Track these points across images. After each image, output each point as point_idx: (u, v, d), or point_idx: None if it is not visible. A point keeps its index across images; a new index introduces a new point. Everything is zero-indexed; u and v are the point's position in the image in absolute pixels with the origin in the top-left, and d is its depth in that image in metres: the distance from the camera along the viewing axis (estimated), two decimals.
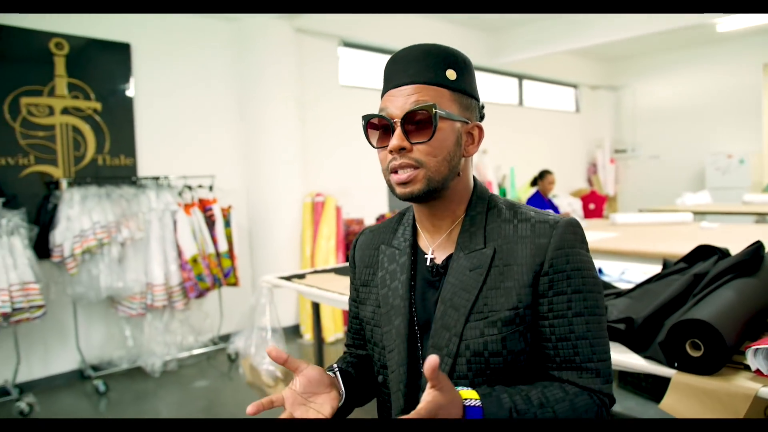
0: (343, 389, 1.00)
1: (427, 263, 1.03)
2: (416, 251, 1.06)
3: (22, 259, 3.73)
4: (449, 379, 0.86)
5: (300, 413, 0.91)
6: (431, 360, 0.77)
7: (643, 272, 2.58)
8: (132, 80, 4.71)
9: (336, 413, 0.95)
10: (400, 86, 0.96)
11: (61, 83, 4.36)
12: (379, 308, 1.05)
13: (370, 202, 6.50)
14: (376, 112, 1.01)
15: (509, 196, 8.19)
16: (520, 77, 8.86)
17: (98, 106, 4.52)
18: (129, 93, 4.71)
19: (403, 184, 0.95)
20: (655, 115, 9.93)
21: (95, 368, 4.37)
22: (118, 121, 4.64)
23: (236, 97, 5.34)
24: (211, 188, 4.93)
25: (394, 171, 0.96)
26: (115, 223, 4.14)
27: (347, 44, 6.40)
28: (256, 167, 5.32)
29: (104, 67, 4.57)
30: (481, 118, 1.06)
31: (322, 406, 0.93)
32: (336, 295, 2.62)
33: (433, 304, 0.99)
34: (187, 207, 4.60)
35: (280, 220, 5.28)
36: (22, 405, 3.73)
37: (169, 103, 4.95)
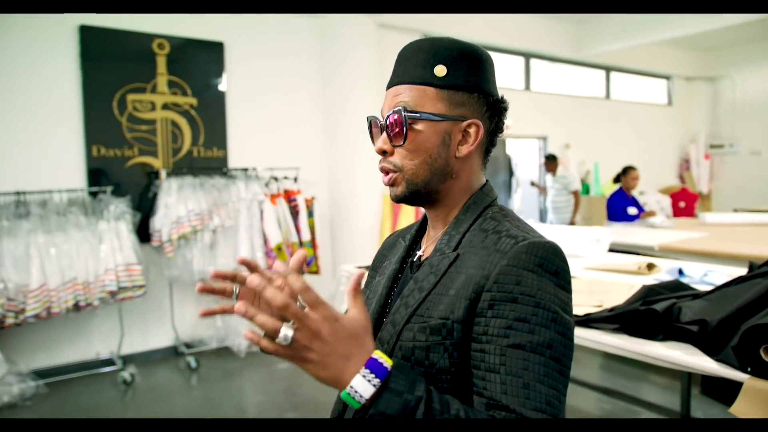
0: None
1: (415, 258, 1.02)
2: (415, 246, 1.05)
3: (126, 243, 4.09)
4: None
5: None
6: (357, 274, 0.75)
7: (728, 275, 2.50)
8: (225, 76, 5.01)
9: None
10: (390, 87, 0.95)
11: (162, 81, 4.71)
12: (371, 293, 1.07)
13: None
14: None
15: (593, 193, 7.98)
16: (608, 69, 8.58)
17: (194, 101, 4.85)
18: (222, 89, 5.01)
19: (389, 186, 0.96)
20: (757, 107, 9.30)
21: (188, 345, 4.72)
22: (211, 115, 4.96)
23: (320, 91, 5.54)
24: (295, 179, 5.16)
25: (381, 173, 0.97)
26: (207, 211, 4.44)
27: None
28: (338, 160, 5.50)
29: (200, 65, 4.89)
30: (497, 111, 0.97)
31: None
32: None
33: None
34: (273, 197, 4.85)
35: (361, 211, 5.44)
36: (125, 375, 4.10)
37: (258, 98, 5.21)
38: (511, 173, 7.85)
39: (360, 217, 5.45)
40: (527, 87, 7.57)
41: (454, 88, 0.91)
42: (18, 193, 3.95)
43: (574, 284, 2.46)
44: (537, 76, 7.76)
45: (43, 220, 3.89)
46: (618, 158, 8.31)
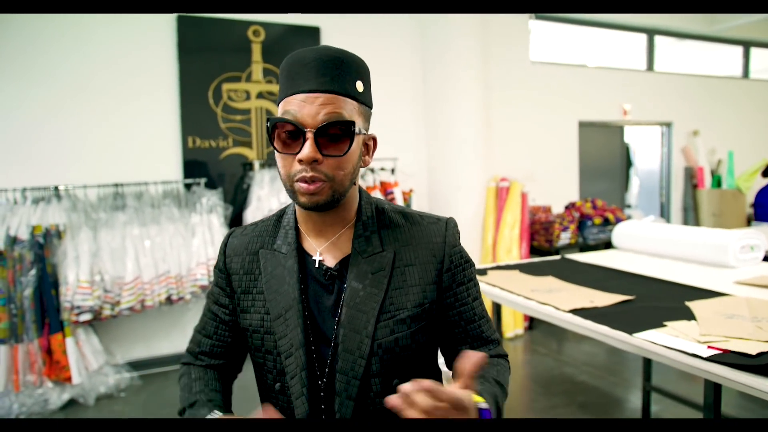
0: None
1: (316, 266, 1.03)
2: (302, 255, 1.05)
3: (218, 236, 3.98)
4: (362, 380, 0.96)
5: None
6: (477, 357, 0.80)
7: None
8: None
9: None
10: (314, 92, 0.92)
11: (257, 69, 4.57)
12: (268, 314, 1.02)
13: (560, 188, 6.00)
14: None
15: (725, 185, 7.05)
16: (746, 44, 7.53)
17: None
18: None
19: (310, 194, 0.93)
20: None
21: None
22: None
23: (420, 77, 5.19)
24: (393, 171, 4.86)
25: (302, 181, 0.93)
26: None
27: (540, 17, 5.91)
28: (439, 150, 5.13)
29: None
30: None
31: None
32: (521, 299, 2.32)
33: (330, 308, 1.00)
34: (369, 190, 4.58)
35: (462, 205, 5.05)
36: None
37: None
38: (629, 163, 7.10)
39: (461, 212, 5.05)
40: (650, 67, 6.78)
41: (366, 105, 0.98)
42: (116, 185, 3.95)
43: (729, 305, 1.97)
44: (662, 54, 6.94)
45: (138, 213, 3.86)
46: (757, 146, 7.33)
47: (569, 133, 6.17)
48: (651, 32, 6.75)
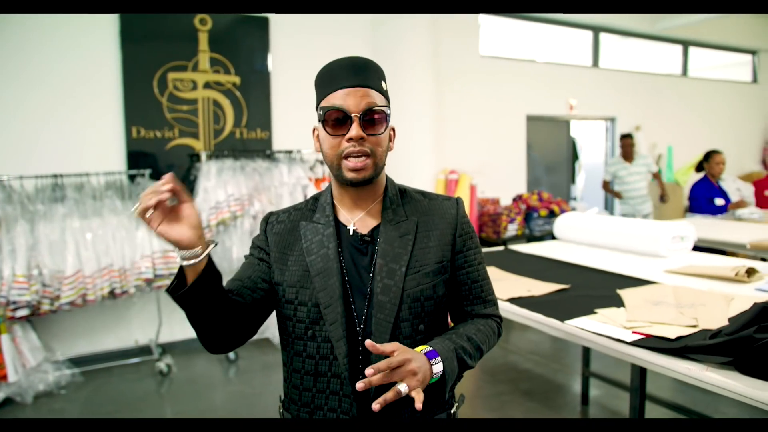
0: (208, 254, 1.04)
1: (351, 233, 1.21)
2: (338, 225, 1.23)
3: None
4: (394, 323, 1.14)
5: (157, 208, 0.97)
6: (369, 345, 0.99)
7: None
8: (269, 54, 4.74)
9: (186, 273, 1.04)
10: (354, 87, 1.14)
11: (204, 58, 4.48)
12: (307, 272, 1.18)
13: (508, 180, 6.12)
14: (337, 102, 1.14)
15: (664, 179, 7.34)
16: (685, 43, 7.84)
17: (237, 80, 4.61)
18: (266, 67, 4.74)
19: (357, 170, 1.14)
20: None
21: None
22: (255, 94, 4.71)
23: None
24: None
25: (347, 157, 1.14)
26: (248, 196, 4.21)
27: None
28: None
29: (244, 42, 4.63)
30: None
31: (174, 227, 1.00)
32: None
33: (366, 267, 1.19)
34: (318, 181, 4.57)
35: None
36: (162, 365, 3.95)
37: (304, 77, 4.89)
38: (575, 157, 7.30)
39: None
40: (595, 63, 6.98)
41: (388, 101, 1.21)
42: (55, 176, 3.82)
43: (656, 292, 2.06)
44: (606, 51, 7.15)
45: (79, 205, 3.75)
46: (694, 142, 7.65)
47: (517, 127, 6.30)
48: (597, 30, 6.94)
